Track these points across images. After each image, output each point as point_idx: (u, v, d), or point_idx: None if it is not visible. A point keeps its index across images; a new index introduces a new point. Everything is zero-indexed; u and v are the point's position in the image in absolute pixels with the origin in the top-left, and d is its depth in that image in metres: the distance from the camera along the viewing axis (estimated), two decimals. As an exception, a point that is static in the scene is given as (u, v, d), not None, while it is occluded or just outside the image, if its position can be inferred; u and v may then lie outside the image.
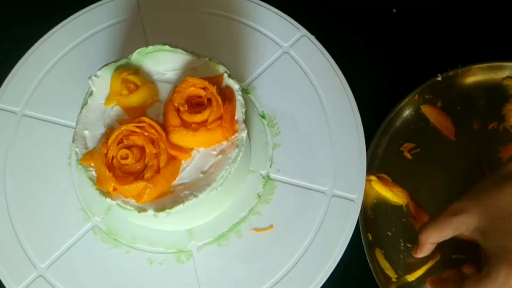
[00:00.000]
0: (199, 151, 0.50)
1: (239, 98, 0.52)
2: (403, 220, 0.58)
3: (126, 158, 0.48)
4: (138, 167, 0.48)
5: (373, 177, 0.59)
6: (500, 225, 0.48)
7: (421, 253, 0.54)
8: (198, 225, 0.56)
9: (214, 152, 0.50)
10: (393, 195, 0.59)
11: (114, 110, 0.52)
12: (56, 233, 0.57)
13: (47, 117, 0.61)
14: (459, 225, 0.50)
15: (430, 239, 0.52)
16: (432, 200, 0.59)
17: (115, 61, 0.53)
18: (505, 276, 0.46)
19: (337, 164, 0.58)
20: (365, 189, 0.57)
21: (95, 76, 0.53)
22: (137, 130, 0.49)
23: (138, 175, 0.48)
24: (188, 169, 0.50)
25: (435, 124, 0.61)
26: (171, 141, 0.49)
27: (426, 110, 0.62)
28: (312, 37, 0.63)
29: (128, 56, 0.53)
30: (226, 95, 0.51)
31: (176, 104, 0.50)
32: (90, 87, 0.53)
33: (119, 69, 0.52)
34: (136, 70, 0.53)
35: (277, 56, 0.63)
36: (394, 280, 0.56)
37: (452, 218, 0.50)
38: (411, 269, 0.56)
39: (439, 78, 0.62)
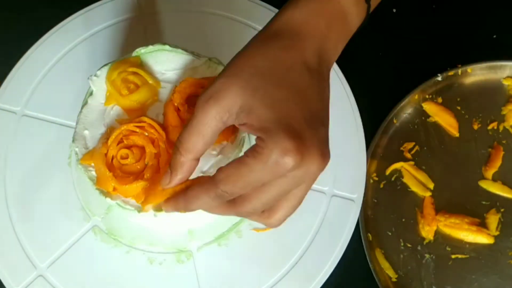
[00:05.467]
0: (199, 151, 0.50)
1: (239, 98, 0.52)
2: (403, 220, 0.58)
3: (126, 158, 0.48)
4: (138, 167, 0.48)
5: (403, 164, 0.60)
6: (266, 95, 0.37)
7: (180, 175, 0.41)
8: (198, 225, 0.56)
9: (214, 152, 0.50)
10: (416, 184, 0.59)
11: (114, 110, 0.52)
12: (56, 233, 0.56)
13: (47, 117, 0.61)
14: (220, 114, 0.37)
15: (191, 151, 0.39)
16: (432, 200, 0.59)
17: (115, 61, 0.53)
18: (280, 152, 0.35)
19: (337, 164, 0.58)
20: (365, 189, 0.57)
21: (95, 76, 0.53)
22: (137, 130, 0.49)
23: (138, 175, 0.48)
24: (188, 169, 0.50)
25: (437, 122, 0.61)
26: (171, 141, 0.49)
27: (428, 107, 0.62)
28: (312, 37, 0.63)
29: (128, 56, 0.53)
30: (226, 95, 0.51)
31: (176, 104, 0.50)
32: (90, 87, 0.53)
33: (118, 68, 0.52)
34: (136, 70, 0.53)
35: (277, 56, 0.63)
36: (394, 280, 0.56)
37: (208, 106, 0.37)
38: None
39: (439, 78, 0.62)
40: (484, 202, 0.58)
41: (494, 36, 0.66)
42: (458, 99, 0.62)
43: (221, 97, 0.37)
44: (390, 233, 0.58)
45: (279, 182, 0.37)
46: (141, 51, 0.53)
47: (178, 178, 0.41)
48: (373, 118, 0.61)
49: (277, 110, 0.37)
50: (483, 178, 0.59)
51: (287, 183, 0.37)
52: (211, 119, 0.38)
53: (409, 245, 0.57)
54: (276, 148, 0.35)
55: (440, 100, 0.62)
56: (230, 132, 0.50)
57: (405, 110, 0.62)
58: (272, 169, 0.36)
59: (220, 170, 0.38)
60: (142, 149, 0.48)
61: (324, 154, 0.37)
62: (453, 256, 0.56)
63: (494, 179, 0.59)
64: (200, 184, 0.40)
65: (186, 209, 0.42)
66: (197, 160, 0.41)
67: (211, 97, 0.37)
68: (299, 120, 0.37)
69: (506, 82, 0.63)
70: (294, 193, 0.39)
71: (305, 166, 0.36)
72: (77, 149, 0.50)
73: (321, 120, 0.38)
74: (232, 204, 0.39)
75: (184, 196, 0.42)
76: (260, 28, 0.41)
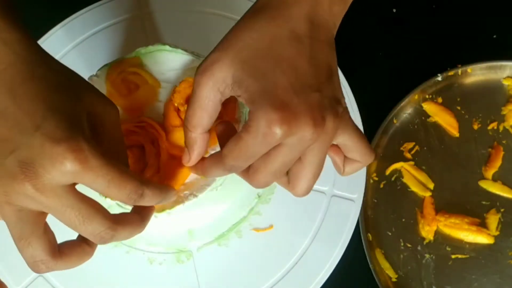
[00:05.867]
0: (199, 151, 0.50)
1: (239, 98, 0.52)
2: (403, 220, 0.58)
3: (126, 158, 0.48)
4: (138, 166, 0.48)
5: (403, 164, 0.60)
6: (253, 67, 0.38)
7: (196, 150, 0.42)
8: (198, 225, 0.56)
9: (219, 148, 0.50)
10: (416, 184, 0.59)
11: (114, 110, 0.52)
12: (56, 233, 0.56)
13: (47, 117, 0.61)
14: (216, 85, 0.39)
15: (198, 125, 0.41)
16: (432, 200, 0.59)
17: (115, 61, 0.53)
18: (266, 124, 0.36)
19: (337, 164, 0.58)
20: (365, 189, 0.57)
21: (95, 76, 0.53)
22: (137, 130, 0.49)
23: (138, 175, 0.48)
24: (188, 169, 0.50)
25: (437, 122, 0.61)
26: (171, 141, 0.49)
27: (428, 107, 0.62)
28: (312, 37, 0.63)
29: (128, 56, 0.53)
30: (226, 95, 0.51)
31: (176, 104, 0.50)
32: (90, 87, 0.53)
33: (118, 68, 0.52)
34: (136, 70, 0.53)
35: (277, 56, 0.63)
36: (394, 280, 0.56)
37: (204, 79, 0.39)
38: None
39: (439, 78, 0.62)
40: (484, 202, 0.58)
41: (494, 36, 0.66)
42: (458, 99, 0.62)
43: (215, 69, 0.39)
44: (390, 233, 0.58)
45: (281, 152, 0.38)
46: (141, 51, 0.53)
47: (195, 153, 0.43)
48: (373, 118, 0.61)
49: (262, 81, 0.38)
50: (483, 178, 0.59)
51: (288, 152, 0.38)
52: (209, 91, 0.39)
53: (409, 245, 0.57)
54: (262, 120, 0.36)
55: (440, 100, 0.62)
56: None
57: (405, 110, 0.62)
58: (264, 141, 0.37)
59: (225, 145, 0.39)
60: (142, 149, 0.48)
61: (316, 118, 0.37)
62: (453, 256, 0.56)
63: (494, 179, 0.59)
64: (213, 157, 0.42)
65: (207, 176, 0.45)
66: (208, 133, 0.42)
67: (206, 70, 0.39)
68: (286, 89, 0.37)
69: (506, 82, 0.63)
70: (310, 160, 0.39)
71: (297, 134, 0.37)
72: (77, 149, 0.50)
73: (312, 85, 0.38)
74: (247, 174, 0.40)
75: (201, 166, 0.43)
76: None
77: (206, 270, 0.55)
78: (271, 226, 0.56)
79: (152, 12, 0.66)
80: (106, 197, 0.41)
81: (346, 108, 0.41)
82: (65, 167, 0.34)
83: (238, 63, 0.38)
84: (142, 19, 0.65)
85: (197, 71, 0.40)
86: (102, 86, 0.53)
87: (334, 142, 0.41)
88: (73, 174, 0.35)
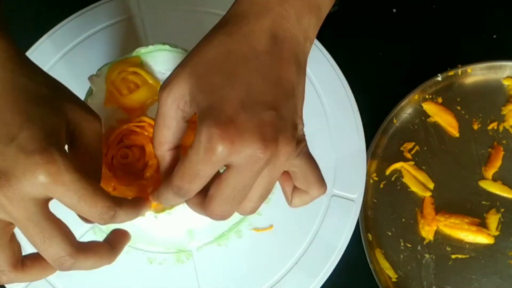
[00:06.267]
0: (199, 151, 0.50)
1: (239, 98, 0.52)
2: (403, 220, 0.58)
3: (126, 157, 0.48)
4: (138, 166, 0.48)
5: (403, 164, 0.60)
6: (205, 82, 0.37)
7: (163, 167, 0.41)
8: (198, 225, 0.56)
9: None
10: (416, 184, 0.59)
11: (114, 110, 0.52)
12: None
13: (47, 117, 0.61)
14: (176, 102, 0.37)
15: (164, 144, 0.40)
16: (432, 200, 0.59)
17: (115, 61, 0.53)
18: (207, 139, 0.34)
19: (337, 164, 0.58)
20: (365, 189, 0.57)
21: (95, 76, 0.53)
22: (137, 129, 0.49)
23: (138, 175, 0.48)
24: (188, 169, 0.50)
25: (437, 122, 0.61)
26: (171, 141, 0.49)
27: (428, 107, 0.62)
28: (312, 37, 0.63)
29: (128, 56, 0.53)
30: (226, 95, 0.51)
31: (176, 104, 0.50)
32: (90, 87, 0.53)
33: (118, 68, 0.52)
34: (136, 70, 0.53)
35: (277, 56, 0.63)
36: (394, 280, 0.56)
37: (164, 96, 0.38)
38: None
39: (439, 78, 0.62)
40: (484, 202, 0.58)
41: (494, 36, 0.66)
42: (458, 99, 0.62)
43: (174, 86, 0.37)
44: (390, 233, 0.58)
45: (230, 174, 0.36)
46: (141, 51, 0.53)
47: (163, 170, 0.41)
48: (373, 118, 0.61)
49: (211, 96, 0.36)
50: (483, 178, 0.59)
51: (238, 174, 0.36)
52: (170, 108, 0.38)
53: (409, 245, 0.57)
54: (203, 135, 0.35)
55: (440, 100, 0.62)
56: None
57: (405, 110, 0.62)
58: (206, 157, 0.35)
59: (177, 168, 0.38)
60: (142, 148, 0.48)
61: (266, 138, 0.35)
62: (453, 256, 0.56)
63: (494, 179, 0.59)
64: (165, 181, 0.40)
65: (160, 202, 0.42)
66: (175, 149, 0.40)
67: (166, 87, 0.38)
68: (233, 104, 0.36)
69: (506, 82, 0.63)
70: (257, 182, 0.38)
71: (242, 152, 0.35)
72: (77, 149, 0.50)
73: (266, 103, 0.37)
74: (203, 205, 0.39)
75: (157, 191, 0.42)
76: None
77: (206, 270, 0.55)
78: (271, 226, 0.56)
79: (152, 12, 0.66)
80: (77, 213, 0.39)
81: (303, 135, 0.39)
82: (36, 179, 0.34)
83: (194, 79, 0.37)
84: (142, 19, 0.65)
85: (160, 87, 0.38)
86: (102, 86, 0.53)
87: (285, 169, 0.39)
88: (44, 186, 0.34)
